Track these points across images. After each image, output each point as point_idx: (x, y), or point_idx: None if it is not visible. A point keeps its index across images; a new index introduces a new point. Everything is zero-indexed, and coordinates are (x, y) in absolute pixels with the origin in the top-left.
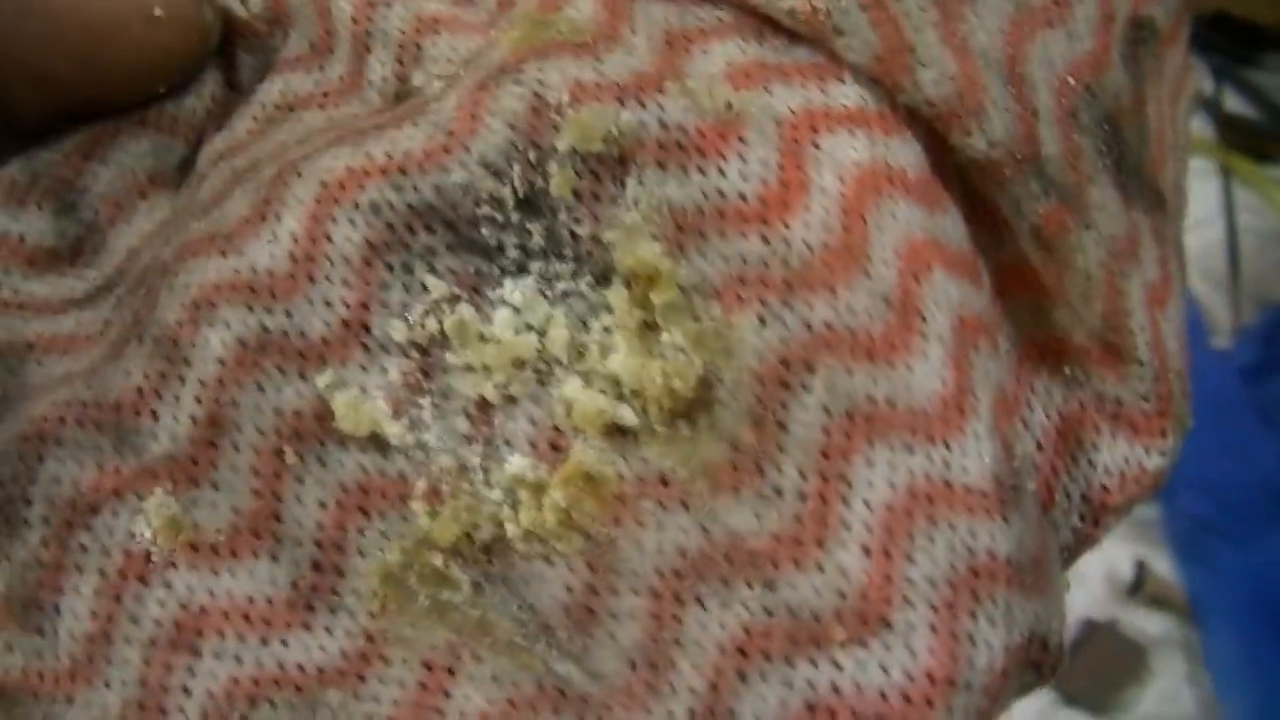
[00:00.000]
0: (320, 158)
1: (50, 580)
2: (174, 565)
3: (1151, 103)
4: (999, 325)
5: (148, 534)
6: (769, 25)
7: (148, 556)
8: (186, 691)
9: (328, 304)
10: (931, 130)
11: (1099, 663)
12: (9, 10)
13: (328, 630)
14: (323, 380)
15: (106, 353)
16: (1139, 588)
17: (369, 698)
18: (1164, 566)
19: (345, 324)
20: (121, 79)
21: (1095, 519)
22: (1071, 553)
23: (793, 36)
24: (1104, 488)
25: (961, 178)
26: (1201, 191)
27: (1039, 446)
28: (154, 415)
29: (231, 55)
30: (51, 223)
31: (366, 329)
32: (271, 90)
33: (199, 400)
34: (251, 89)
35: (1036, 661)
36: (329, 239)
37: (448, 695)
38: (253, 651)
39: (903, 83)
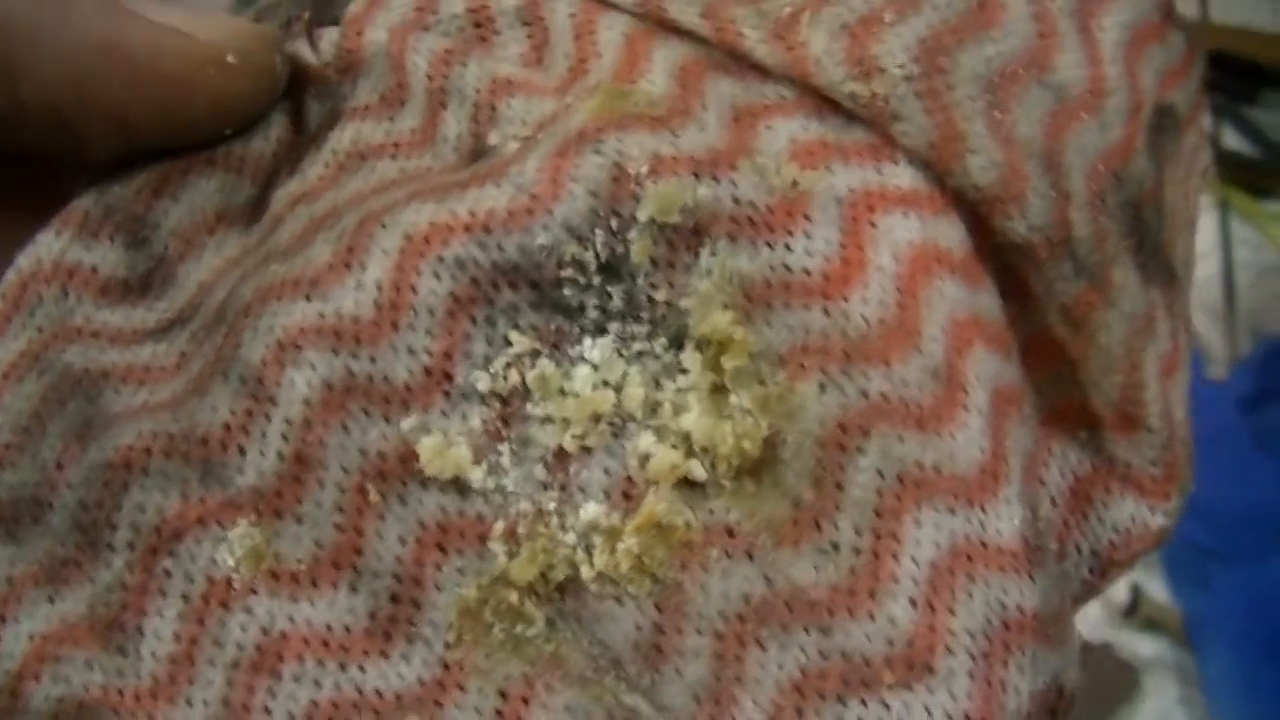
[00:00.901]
0: (404, 211)
1: (134, 603)
2: (255, 592)
3: (1169, 184)
4: (1026, 394)
5: (230, 562)
6: (828, 104)
7: (229, 583)
8: (268, 712)
9: (411, 352)
10: (973, 211)
11: (1093, 684)
12: (93, 54)
13: (405, 659)
14: (407, 424)
15: (189, 387)
16: (1134, 610)
17: None
18: (1159, 590)
19: (428, 371)
20: (195, 122)
21: (1102, 572)
22: (1079, 602)
23: (850, 115)
24: (1111, 544)
25: (996, 255)
26: (1200, 226)
27: (1053, 503)
28: (241, 451)
29: (298, 99)
30: (123, 255)
31: (449, 377)
32: (343, 137)
33: (285, 438)
34: (321, 134)
35: (1054, 707)
36: (414, 290)
37: None
38: (332, 676)
39: (953, 168)
